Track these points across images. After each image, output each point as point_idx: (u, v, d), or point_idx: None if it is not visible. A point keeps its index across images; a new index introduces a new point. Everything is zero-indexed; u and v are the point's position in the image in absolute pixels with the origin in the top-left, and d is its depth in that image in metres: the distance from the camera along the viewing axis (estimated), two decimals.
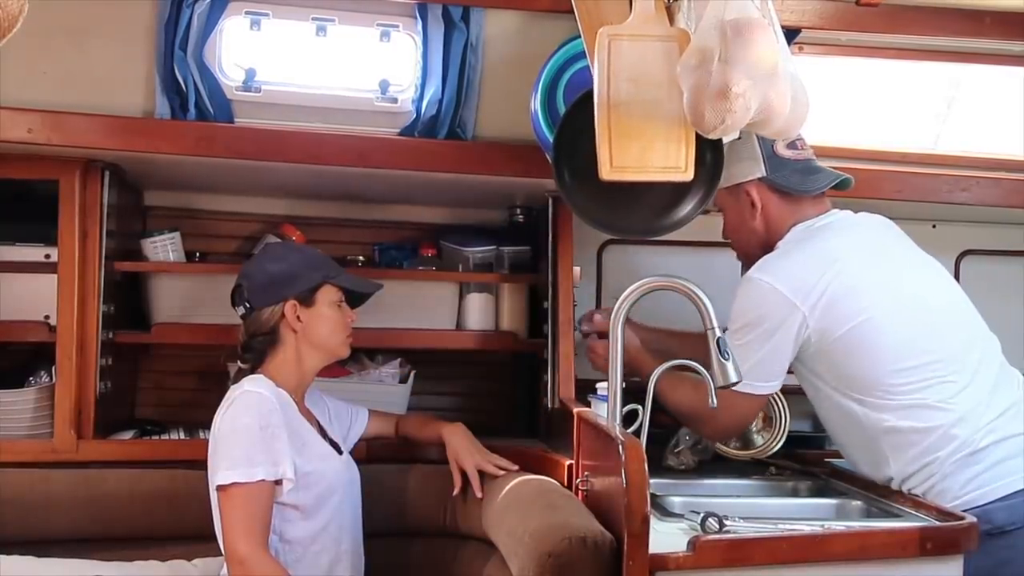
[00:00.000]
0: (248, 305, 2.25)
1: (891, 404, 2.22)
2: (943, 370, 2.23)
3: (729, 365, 2.22)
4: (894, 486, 2.27)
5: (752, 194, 2.39)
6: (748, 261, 2.43)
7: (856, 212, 2.45)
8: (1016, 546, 2.15)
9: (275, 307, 2.23)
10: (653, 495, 2.03)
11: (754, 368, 2.23)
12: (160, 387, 2.95)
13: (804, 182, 2.38)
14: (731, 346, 2.19)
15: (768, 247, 2.38)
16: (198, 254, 2.84)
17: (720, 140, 2.18)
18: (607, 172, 2.08)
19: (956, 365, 2.24)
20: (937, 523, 2.06)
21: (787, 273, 2.27)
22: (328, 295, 2.26)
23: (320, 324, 2.24)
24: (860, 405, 2.25)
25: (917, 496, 2.20)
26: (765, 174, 2.37)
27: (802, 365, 2.33)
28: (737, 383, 2.24)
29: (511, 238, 2.96)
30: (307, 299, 2.24)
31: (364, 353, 2.86)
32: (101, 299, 2.51)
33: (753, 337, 2.26)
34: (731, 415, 2.34)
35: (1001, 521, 2.14)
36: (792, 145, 2.39)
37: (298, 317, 2.22)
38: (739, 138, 2.30)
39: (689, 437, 2.66)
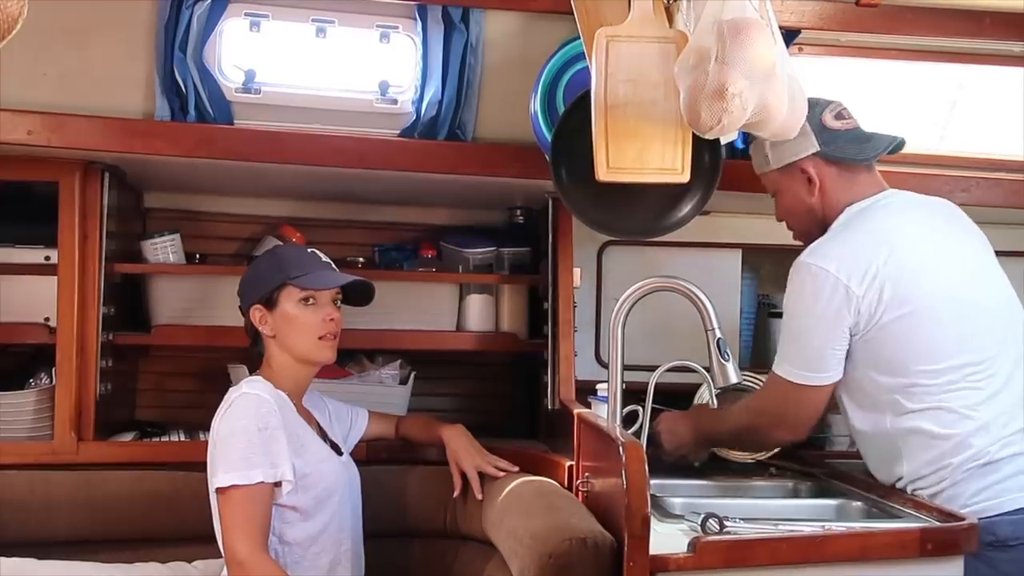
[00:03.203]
0: (240, 311, 2.27)
1: (914, 404, 2.18)
2: (974, 375, 2.17)
3: (729, 366, 2.23)
4: (900, 485, 2.24)
5: (809, 170, 2.31)
6: (809, 240, 2.34)
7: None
8: (1020, 560, 2.11)
9: (248, 312, 2.23)
10: (653, 496, 2.03)
11: (817, 359, 2.20)
12: (160, 389, 2.96)
13: (861, 150, 2.31)
14: (789, 334, 2.18)
15: (826, 225, 2.31)
16: (198, 256, 2.84)
17: (718, 141, 2.18)
18: (604, 173, 2.09)
19: (989, 371, 2.19)
20: (937, 524, 2.06)
21: (841, 258, 2.20)
22: (291, 296, 2.20)
23: (286, 326, 2.20)
24: (885, 399, 2.20)
25: (921, 497, 2.18)
26: (819, 148, 2.30)
27: None
28: (737, 384, 2.25)
29: (511, 239, 2.96)
30: (270, 302, 2.21)
31: (364, 354, 2.86)
32: (101, 301, 2.51)
33: (812, 326, 2.21)
34: (801, 411, 2.27)
35: (1006, 535, 2.10)
36: (839, 115, 2.32)
37: (265, 320, 2.21)
38: None
39: None
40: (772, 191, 2.43)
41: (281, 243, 2.80)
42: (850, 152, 2.31)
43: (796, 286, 2.24)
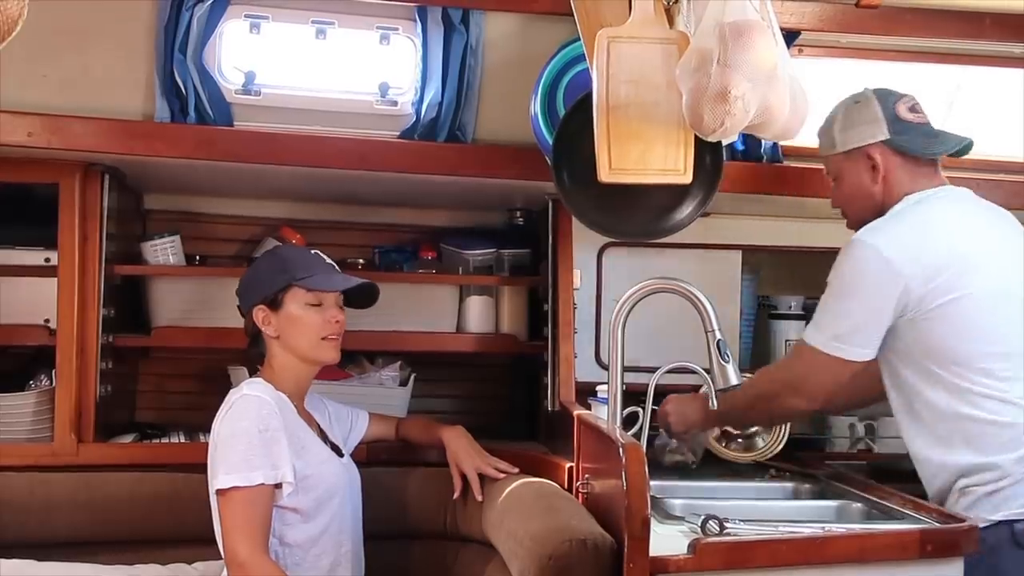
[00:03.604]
0: (240, 311, 2.27)
1: (972, 389, 2.13)
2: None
3: (729, 367, 2.22)
4: (948, 482, 2.16)
5: (875, 156, 2.28)
6: (864, 226, 2.30)
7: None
8: None
9: (250, 313, 2.23)
10: (653, 497, 2.03)
11: (851, 333, 2.17)
12: (160, 390, 2.96)
13: (929, 145, 2.30)
14: (827, 306, 2.17)
15: (882, 213, 2.29)
16: (198, 257, 2.84)
17: (720, 142, 2.18)
18: (606, 174, 2.09)
19: None
20: (937, 525, 2.06)
21: (894, 239, 2.18)
22: (297, 297, 2.20)
23: (291, 327, 2.20)
24: (938, 384, 2.16)
25: (974, 493, 2.12)
26: (888, 136, 2.27)
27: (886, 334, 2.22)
28: (737, 385, 2.24)
29: (511, 240, 2.96)
30: (275, 303, 2.21)
31: (364, 356, 2.86)
32: (101, 302, 2.51)
33: (853, 301, 2.18)
34: (821, 379, 2.24)
35: None
36: (913, 108, 2.31)
37: (268, 321, 2.21)
38: (857, 102, 2.29)
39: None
40: (833, 175, 2.39)
41: (280, 244, 2.80)
42: (918, 145, 2.29)
43: (846, 262, 2.20)
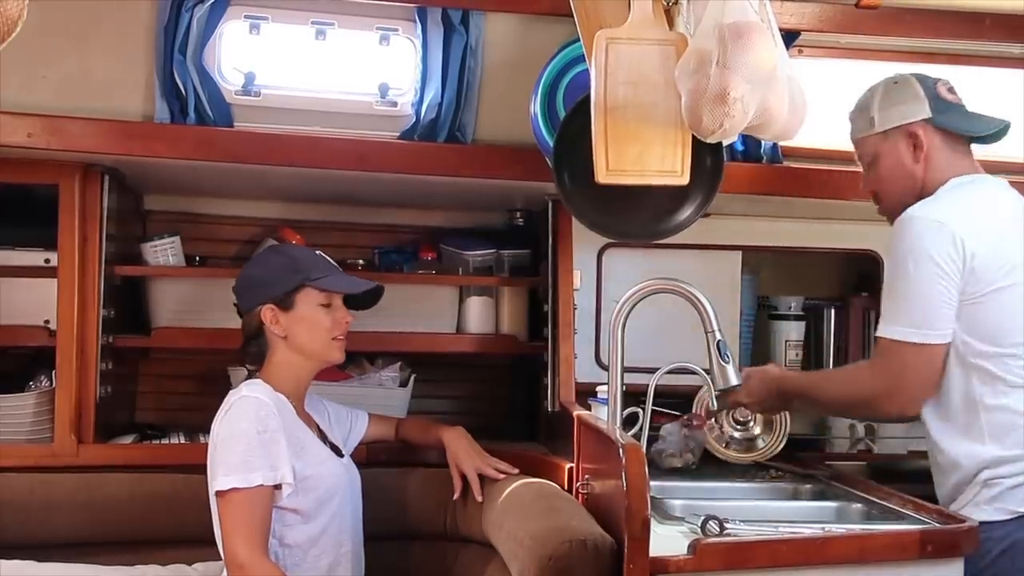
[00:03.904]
0: (237, 309, 2.26)
1: (1005, 379, 2.10)
2: None
3: (729, 368, 2.22)
4: (971, 473, 2.13)
5: (918, 133, 2.24)
6: (899, 212, 2.23)
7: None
8: None
9: (255, 311, 2.22)
10: (653, 498, 2.03)
11: (930, 315, 2.09)
12: (160, 391, 2.96)
13: (971, 125, 2.27)
14: (895, 293, 2.10)
15: (924, 196, 2.22)
16: (198, 258, 2.84)
17: (720, 144, 2.18)
18: (603, 175, 2.09)
19: None
20: (938, 525, 2.06)
21: (955, 212, 2.13)
22: (310, 298, 2.21)
23: (301, 327, 2.21)
24: (973, 373, 2.12)
25: (999, 485, 2.10)
26: (930, 115, 2.24)
27: None
28: (737, 386, 2.23)
29: (511, 241, 2.96)
30: (285, 302, 2.21)
31: (364, 356, 2.86)
32: (101, 303, 2.51)
33: (923, 279, 2.09)
34: (921, 375, 2.12)
35: None
36: (952, 90, 2.29)
37: (278, 320, 2.21)
38: (896, 83, 2.27)
39: (676, 438, 2.64)
40: (870, 157, 2.34)
41: (277, 243, 2.80)
42: (961, 124, 2.27)
43: (906, 240, 2.13)
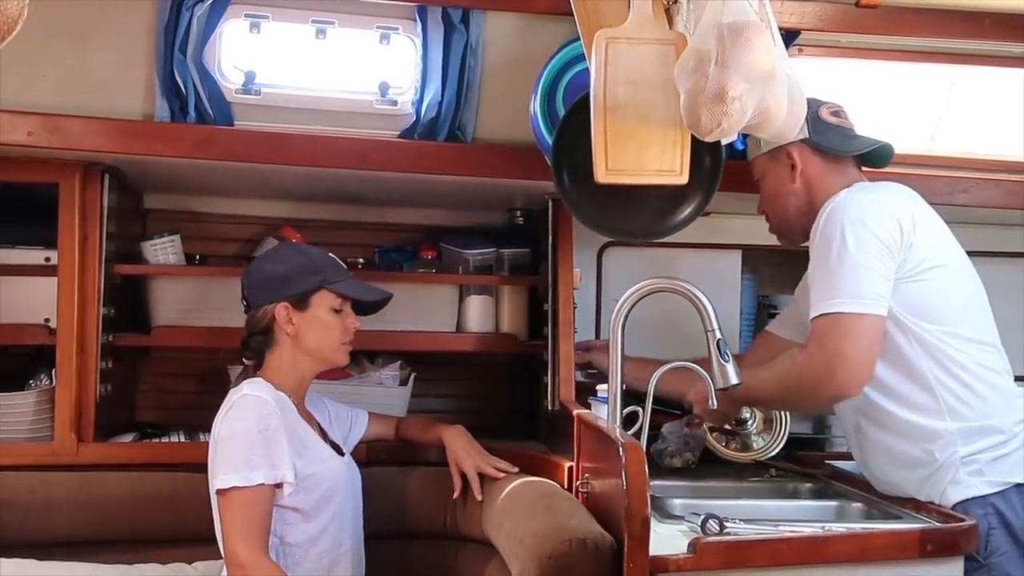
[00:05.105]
0: (246, 303, 2.26)
1: (958, 357, 2.14)
2: (997, 353, 2.21)
3: (729, 367, 2.21)
4: (949, 453, 2.13)
5: (793, 155, 2.34)
6: (784, 231, 2.41)
7: None
8: None
9: (268, 307, 2.22)
10: (653, 497, 2.03)
11: (866, 284, 2.09)
12: (160, 390, 2.95)
13: (846, 143, 2.34)
14: (828, 268, 2.11)
15: (810, 214, 2.28)
16: (198, 257, 2.84)
17: (719, 143, 2.18)
18: (602, 175, 2.09)
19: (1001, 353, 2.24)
20: (937, 525, 2.06)
21: (884, 196, 2.23)
22: (325, 300, 2.23)
23: (313, 329, 2.22)
24: (925, 351, 2.14)
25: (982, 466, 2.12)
26: (808, 136, 2.31)
27: None
28: (737, 385, 2.23)
29: (511, 240, 2.96)
30: (301, 302, 2.21)
31: (364, 355, 2.86)
32: (101, 302, 2.51)
33: (864, 251, 2.10)
34: (860, 347, 2.08)
35: None
36: (836, 113, 2.37)
37: (291, 320, 2.21)
38: None
39: (676, 437, 2.64)
40: (758, 176, 2.45)
41: (280, 242, 2.80)
42: (836, 143, 2.34)
43: (844, 217, 2.15)
